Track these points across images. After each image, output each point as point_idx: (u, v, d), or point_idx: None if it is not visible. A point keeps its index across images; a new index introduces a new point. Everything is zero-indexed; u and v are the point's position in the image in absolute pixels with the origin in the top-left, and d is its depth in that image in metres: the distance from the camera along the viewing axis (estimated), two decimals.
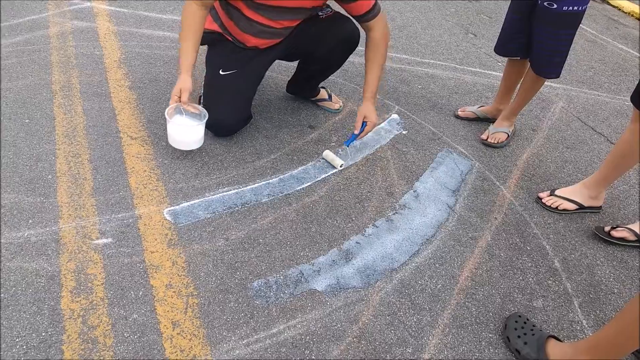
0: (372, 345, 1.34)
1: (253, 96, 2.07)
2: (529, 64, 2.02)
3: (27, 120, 1.97)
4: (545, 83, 2.09)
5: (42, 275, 1.40)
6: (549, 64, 1.91)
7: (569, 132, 2.45)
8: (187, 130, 1.82)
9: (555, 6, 1.74)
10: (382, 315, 1.42)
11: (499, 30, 2.13)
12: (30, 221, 1.56)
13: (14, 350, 1.22)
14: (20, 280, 1.38)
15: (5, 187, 1.66)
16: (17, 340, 1.24)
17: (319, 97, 2.31)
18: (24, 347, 1.23)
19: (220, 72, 1.93)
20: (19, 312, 1.30)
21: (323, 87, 2.35)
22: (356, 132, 1.90)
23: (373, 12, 1.80)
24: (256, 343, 1.31)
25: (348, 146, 1.96)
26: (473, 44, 3.27)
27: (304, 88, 2.29)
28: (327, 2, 1.92)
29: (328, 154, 1.96)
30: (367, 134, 1.94)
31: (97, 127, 1.98)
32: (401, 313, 1.44)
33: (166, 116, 1.80)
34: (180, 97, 1.74)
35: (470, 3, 3.98)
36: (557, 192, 1.91)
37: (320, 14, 1.96)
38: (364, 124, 1.90)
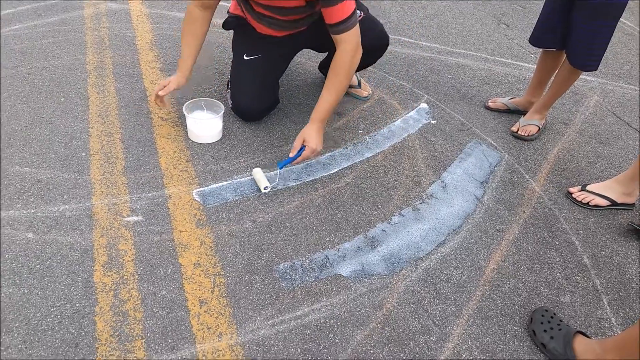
0: (396, 332, 1.34)
1: (278, 80, 2.06)
2: (565, 55, 1.97)
3: (62, 99, 2.01)
4: (579, 76, 2.04)
5: (76, 249, 1.44)
6: (587, 56, 1.86)
7: (603, 127, 2.39)
8: (204, 124, 1.86)
9: None
10: (406, 303, 1.42)
11: (533, 21, 2.08)
12: (65, 196, 1.60)
13: (48, 319, 1.26)
14: (56, 253, 1.42)
15: (41, 162, 1.71)
16: (52, 309, 1.28)
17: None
18: (59, 316, 1.27)
19: (245, 57, 1.94)
20: (54, 283, 1.35)
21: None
22: (291, 155, 1.70)
23: (346, 23, 1.58)
24: (281, 324, 1.33)
25: (281, 169, 1.75)
26: (505, 34, 3.20)
27: None
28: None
29: (257, 172, 1.74)
30: (304, 160, 1.74)
31: (129, 107, 2.02)
32: (426, 302, 1.43)
33: (184, 111, 1.84)
34: (163, 88, 1.82)
35: None
36: (588, 188, 1.87)
37: None
38: (303, 147, 1.71)
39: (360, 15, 1.86)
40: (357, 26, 1.63)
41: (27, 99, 1.99)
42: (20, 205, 1.55)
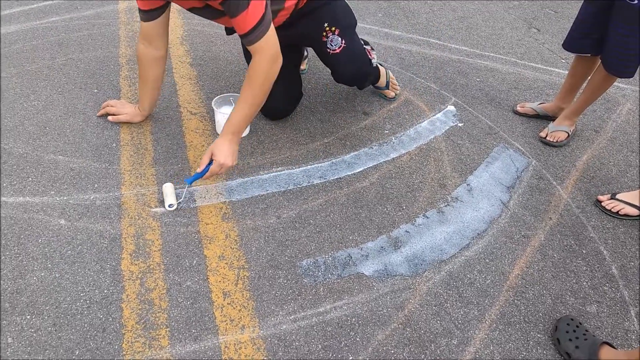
0: (417, 333, 1.34)
1: (298, 75, 2.05)
2: (600, 61, 1.93)
3: (95, 90, 2.06)
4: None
5: (106, 237, 1.48)
6: (624, 62, 1.81)
7: (635, 135, 2.33)
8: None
9: (636, 1, 1.65)
10: (428, 305, 1.42)
11: (565, 26, 2.05)
12: (96, 185, 1.64)
13: (78, 304, 1.30)
14: (86, 240, 1.46)
15: (74, 152, 1.76)
16: (82, 294, 1.32)
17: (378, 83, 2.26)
18: (87, 301, 1.31)
19: None
20: (84, 269, 1.38)
21: (384, 68, 2.26)
22: (199, 170, 1.55)
23: (253, 34, 1.45)
24: (303, 320, 1.34)
25: (189, 184, 1.61)
26: (536, 39, 3.15)
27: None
28: (329, 34, 1.80)
29: (167, 187, 1.64)
30: (212, 175, 1.57)
31: (159, 100, 2.05)
32: (448, 304, 1.43)
33: (213, 106, 1.86)
34: (115, 115, 1.87)
35: None
36: (618, 196, 1.83)
37: (328, 48, 1.81)
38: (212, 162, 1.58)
39: (340, 46, 1.80)
40: (269, 36, 1.47)
41: (63, 89, 2.05)
42: (53, 192, 1.59)
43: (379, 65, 2.17)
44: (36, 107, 1.94)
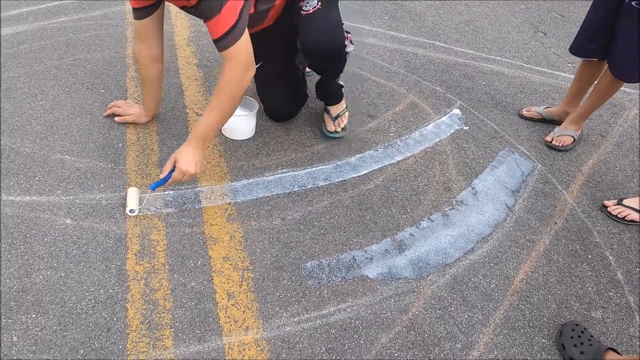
0: (421, 336, 1.34)
1: (296, 80, 2.01)
2: (606, 66, 1.92)
3: (102, 91, 2.07)
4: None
5: (111, 237, 1.49)
6: (631, 67, 1.81)
7: None
8: (238, 120, 1.88)
9: None
10: (432, 308, 1.42)
11: (571, 30, 2.05)
12: (102, 185, 1.65)
13: (83, 303, 1.30)
14: (92, 239, 1.47)
15: (81, 151, 1.76)
16: (87, 294, 1.32)
17: (330, 108, 1.99)
18: (92, 301, 1.31)
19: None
20: (90, 268, 1.39)
21: (344, 106, 2.01)
22: (161, 177, 1.52)
23: (223, 40, 1.40)
24: (307, 322, 1.34)
25: (153, 190, 1.56)
26: (542, 42, 3.14)
27: (318, 90, 2.00)
28: None
29: (132, 192, 1.60)
30: (175, 182, 1.53)
31: (165, 101, 2.06)
32: (452, 308, 1.42)
33: None
34: (121, 115, 1.88)
35: (541, 0, 3.82)
36: (625, 202, 1.82)
37: (302, 10, 1.67)
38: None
39: (315, 7, 1.66)
40: (241, 42, 1.42)
41: (70, 89, 2.06)
42: (60, 192, 1.60)
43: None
44: (43, 106, 1.95)
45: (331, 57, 1.76)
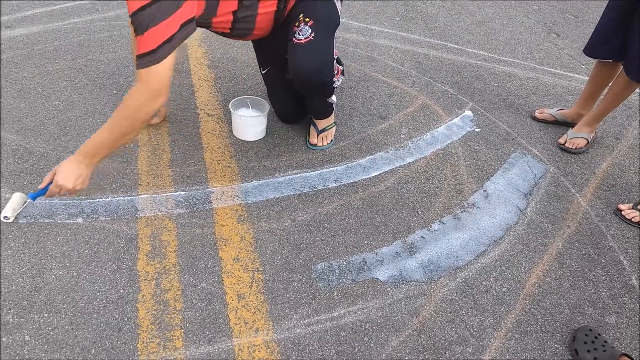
0: (432, 340, 1.33)
1: None
2: (621, 67, 1.90)
3: (114, 91, 2.09)
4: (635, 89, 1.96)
5: (122, 237, 1.49)
6: None
7: None
8: (249, 121, 1.89)
9: None
10: (443, 311, 1.40)
11: (585, 31, 2.02)
12: (113, 185, 1.66)
13: (94, 303, 1.31)
14: (103, 239, 1.48)
15: None
16: (98, 294, 1.33)
17: (317, 122, 1.95)
18: (104, 300, 1.32)
19: (262, 71, 1.96)
20: (101, 268, 1.40)
21: (332, 121, 1.97)
22: (40, 187, 1.42)
23: (143, 59, 1.27)
24: (317, 324, 1.33)
25: (33, 200, 1.45)
26: (555, 44, 3.11)
27: (306, 103, 1.93)
28: (301, 24, 1.61)
29: (15, 197, 1.49)
30: (51, 195, 1.42)
31: (176, 101, 2.07)
32: (463, 312, 1.41)
33: (230, 109, 1.88)
34: None
35: (555, 1, 3.78)
36: None
37: (294, 38, 1.61)
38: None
39: (307, 38, 1.59)
40: (157, 70, 1.29)
41: (83, 89, 2.08)
42: None
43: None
44: (57, 107, 1.97)
45: (316, 88, 1.71)
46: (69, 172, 1.38)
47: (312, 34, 1.59)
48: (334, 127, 2.00)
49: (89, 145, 1.39)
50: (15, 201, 1.48)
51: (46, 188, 1.41)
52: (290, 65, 1.64)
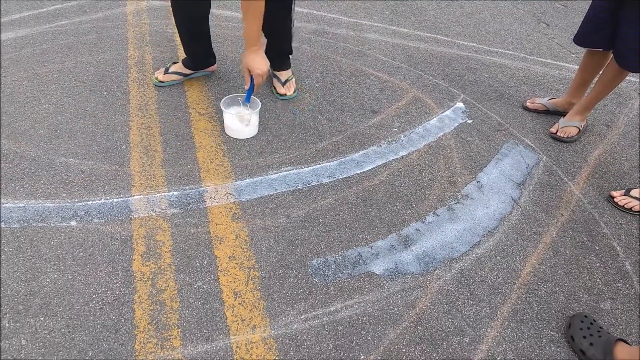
0: (429, 331, 1.33)
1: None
2: (611, 56, 1.90)
3: (105, 93, 2.07)
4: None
5: (117, 239, 1.49)
6: (636, 56, 1.79)
7: None
8: (240, 119, 1.88)
9: None
10: (439, 303, 1.41)
11: (574, 20, 2.03)
12: (106, 187, 1.65)
13: (90, 305, 1.31)
14: (98, 242, 1.47)
15: (85, 154, 1.77)
16: (94, 296, 1.33)
17: (279, 74, 2.21)
18: (100, 302, 1.31)
19: None
20: (96, 270, 1.39)
21: (291, 73, 2.23)
22: (247, 87, 1.85)
23: None
24: (314, 319, 1.33)
25: (248, 102, 1.88)
26: (545, 33, 3.12)
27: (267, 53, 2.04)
28: None
29: (233, 114, 1.87)
30: (259, 86, 1.84)
31: (167, 101, 2.06)
32: (459, 302, 1.42)
33: (222, 107, 1.87)
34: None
35: None
36: (632, 193, 1.81)
37: None
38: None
39: None
40: None
41: (73, 92, 2.06)
42: (65, 195, 1.61)
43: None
44: (47, 110, 1.95)
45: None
46: (258, 61, 1.77)
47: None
48: (294, 78, 2.25)
49: (251, 37, 1.73)
50: (242, 115, 1.86)
51: (251, 84, 1.82)
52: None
